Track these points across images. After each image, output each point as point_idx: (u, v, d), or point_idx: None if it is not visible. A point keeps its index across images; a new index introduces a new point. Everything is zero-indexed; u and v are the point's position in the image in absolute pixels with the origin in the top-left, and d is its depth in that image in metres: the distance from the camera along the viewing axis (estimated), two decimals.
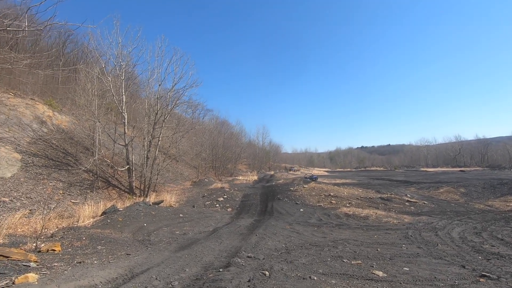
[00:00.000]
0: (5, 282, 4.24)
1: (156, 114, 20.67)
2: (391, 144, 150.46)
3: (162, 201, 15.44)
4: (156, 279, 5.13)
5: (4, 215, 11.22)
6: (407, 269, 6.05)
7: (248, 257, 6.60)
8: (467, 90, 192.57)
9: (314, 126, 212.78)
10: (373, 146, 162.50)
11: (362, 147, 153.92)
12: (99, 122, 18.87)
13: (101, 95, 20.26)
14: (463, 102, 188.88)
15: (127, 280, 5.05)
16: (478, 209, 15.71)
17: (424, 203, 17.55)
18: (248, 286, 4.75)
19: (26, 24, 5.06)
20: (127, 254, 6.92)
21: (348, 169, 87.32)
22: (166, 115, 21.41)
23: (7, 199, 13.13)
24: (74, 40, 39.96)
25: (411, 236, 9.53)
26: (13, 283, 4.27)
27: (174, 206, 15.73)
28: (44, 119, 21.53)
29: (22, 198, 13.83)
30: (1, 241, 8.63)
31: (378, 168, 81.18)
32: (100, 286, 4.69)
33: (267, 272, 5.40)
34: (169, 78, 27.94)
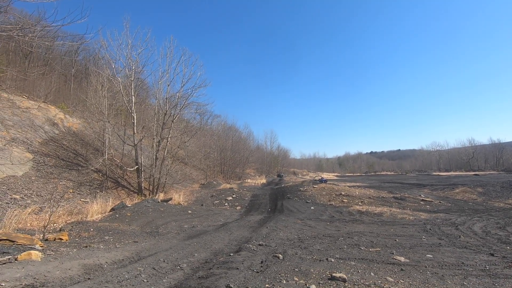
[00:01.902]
0: (7, 257, 4.07)
1: (165, 114, 20.69)
2: (401, 149, 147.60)
3: (170, 199, 15.28)
4: (164, 261, 4.88)
5: (14, 211, 11.22)
6: (431, 256, 5.65)
7: (259, 244, 6.29)
8: (480, 93, 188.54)
9: (322, 131, 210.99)
10: (382, 151, 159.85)
11: (371, 152, 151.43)
12: (109, 122, 18.99)
13: (112, 97, 20.46)
14: (476, 106, 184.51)
15: (134, 262, 4.82)
16: (498, 207, 14.99)
17: (440, 202, 16.89)
18: (261, 267, 4.45)
19: (38, 34, 5.00)
20: (135, 242, 6.71)
21: (358, 174, 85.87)
22: (175, 116, 21.41)
23: (18, 196, 13.17)
24: (87, 48, 40.87)
25: (430, 229, 9.05)
26: (16, 259, 4.10)
27: (182, 204, 15.53)
28: (55, 121, 21.84)
29: (33, 196, 13.87)
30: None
31: (389, 173, 79.55)
32: (105, 265, 4.47)
33: (280, 255, 5.09)
34: (177, 79, 28.24)
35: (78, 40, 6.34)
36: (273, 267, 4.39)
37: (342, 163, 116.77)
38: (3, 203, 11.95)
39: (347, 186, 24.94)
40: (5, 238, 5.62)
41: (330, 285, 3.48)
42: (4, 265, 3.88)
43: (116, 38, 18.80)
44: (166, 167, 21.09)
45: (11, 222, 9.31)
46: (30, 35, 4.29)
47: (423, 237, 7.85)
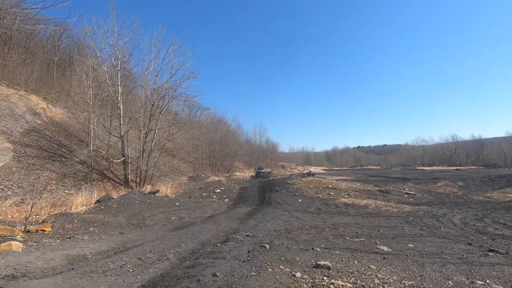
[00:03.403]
0: None
1: (153, 105, 20.32)
2: (387, 144, 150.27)
3: (158, 191, 15.13)
4: (150, 252, 4.86)
5: None
6: (412, 245, 5.84)
7: (247, 235, 6.34)
8: (463, 91, 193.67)
9: (311, 125, 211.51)
10: (369, 146, 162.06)
11: (358, 147, 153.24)
12: (94, 112, 18.49)
13: (97, 86, 19.88)
14: (459, 103, 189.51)
15: (119, 252, 4.77)
16: (477, 200, 15.60)
17: (422, 195, 17.42)
18: (248, 256, 4.50)
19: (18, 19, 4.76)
20: (120, 233, 6.63)
21: (345, 168, 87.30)
22: (163, 107, 21.05)
23: None
24: (70, 35, 39.31)
25: (412, 221, 9.34)
26: None
27: (170, 196, 15.41)
28: (38, 111, 21.09)
29: (14, 187, 13.44)
30: None
31: (375, 167, 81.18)
32: (90, 256, 4.40)
33: (267, 245, 5.16)
34: (165, 70, 27.54)
35: (61, 25, 6.07)
36: (260, 256, 4.44)
37: (330, 157, 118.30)
38: None
39: (334, 179, 25.33)
40: None
41: (315, 273, 3.55)
42: None
43: (102, 25, 18.20)
44: (154, 159, 20.80)
45: None
46: (9, 17, 4.08)
47: (406, 228, 8.10)
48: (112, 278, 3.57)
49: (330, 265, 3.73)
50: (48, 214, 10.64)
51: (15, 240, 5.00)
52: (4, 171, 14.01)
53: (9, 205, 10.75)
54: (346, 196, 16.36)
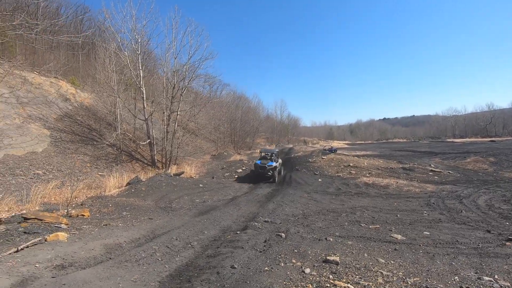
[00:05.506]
0: (38, 239, 4.60)
1: (173, 88, 20.73)
2: (415, 115, 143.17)
3: (182, 173, 15.92)
4: (176, 239, 5.36)
5: (39, 186, 12.04)
6: (428, 233, 5.92)
7: (265, 221, 6.72)
8: (502, 54, 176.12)
9: (333, 98, 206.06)
10: (396, 118, 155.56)
11: (384, 118, 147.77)
12: (119, 97, 19.25)
13: (120, 71, 20.50)
14: (497, 67, 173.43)
15: (149, 240, 5.32)
16: (508, 178, 14.90)
17: (449, 172, 16.87)
18: (264, 246, 4.86)
19: None
20: (150, 219, 7.27)
21: (369, 142, 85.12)
22: (183, 89, 21.44)
23: (40, 172, 14.00)
24: (90, 18, 39.93)
25: (433, 203, 9.25)
26: (45, 240, 4.63)
27: (194, 177, 16.19)
28: (68, 96, 22.29)
29: (54, 171, 14.67)
30: (37, 208, 9.36)
31: (401, 140, 78.47)
32: (124, 244, 4.97)
33: (283, 234, 5.48)
34: (184, 51, 27.66)
35: (82, 11, 6.30)
36: (275, 246, 4.78)
37: (353, 131, 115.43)
38: (28, 178, 12.81)
39: (357, 155, 25.04)
40: (33, 217, 6.21)
41: (324, 268, 3.83)
42: (36, 246, 4.40)
43: (120, 10, 18.38)
44: (177, 140, 21.61)
45: (37, 197, 10.11)
46: (36, 30, 4.37)
47: (425, 212, 8.09)
48: (144, 267, 4.07)
49: (339, 260, 3.97)
50: (86, 197, 11.69)
51: (61, 228, 5.70)
52: (44, 156, 15.29)
53: (51, 188, 11.90)
54: (367, 175, 16.26)
